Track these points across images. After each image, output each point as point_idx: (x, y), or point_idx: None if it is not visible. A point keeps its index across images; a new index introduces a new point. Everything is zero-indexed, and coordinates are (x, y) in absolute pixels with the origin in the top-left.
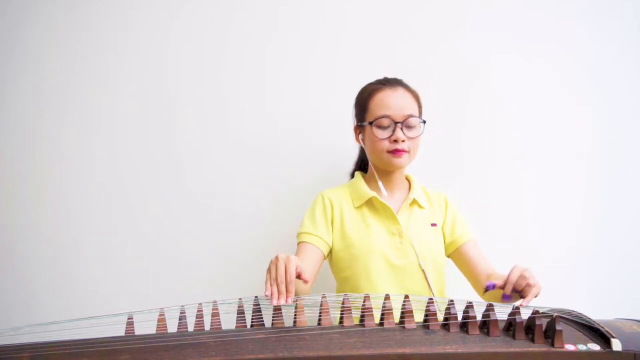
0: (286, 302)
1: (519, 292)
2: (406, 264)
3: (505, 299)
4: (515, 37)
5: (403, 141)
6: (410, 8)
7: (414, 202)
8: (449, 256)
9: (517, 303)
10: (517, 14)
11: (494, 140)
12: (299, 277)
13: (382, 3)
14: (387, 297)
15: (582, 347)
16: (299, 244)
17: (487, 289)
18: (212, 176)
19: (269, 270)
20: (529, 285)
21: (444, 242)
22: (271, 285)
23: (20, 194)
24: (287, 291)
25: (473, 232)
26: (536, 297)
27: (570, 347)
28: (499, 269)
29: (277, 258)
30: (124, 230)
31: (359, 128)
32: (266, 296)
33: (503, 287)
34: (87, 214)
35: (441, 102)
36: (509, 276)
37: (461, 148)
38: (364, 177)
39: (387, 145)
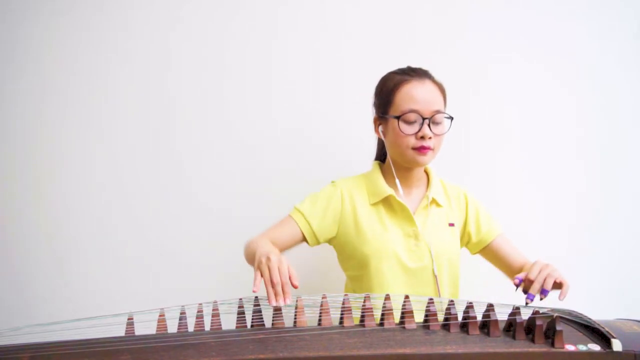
0: (284, 302)
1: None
2: (419, 267)
3: (530, 298)
4: (517, 37)
5: (430, 138)
6: (412, 9)
7: (432, 201)
8: (478, 253)
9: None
10: (518, 16)
11: (493, 140)
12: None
13: (385, 4)
14: (387, 297)
15: (582, 347)
16: (289, 215)
17: (517, 286)
18: (212, 176)
19: (261, 271)
20: (555, 283)
21: (470, 241)
22: (266, 286)
23: (20, 194)
24: (284, 292)
25: (499, 225)
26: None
27: (570, 347)
28: None
29: (268, 258)
30: (124, 230)
31: (380, 119)
32: (254, 292)
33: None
34: (87, 214)
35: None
36: (529, 273)
37: (460, 149)
38: (381, 168)
39: (412, 141)
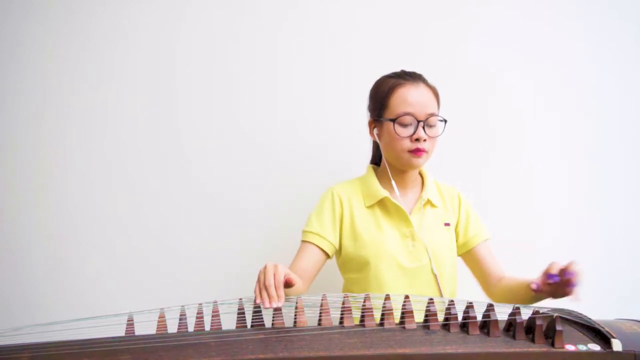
0: (270, 305)
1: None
2: (417, 267)
3: (551, 278)
4: (517, 36)
5: (424, 140)
6: (414, 14)
7: (427, 201)
8: (459, 255)
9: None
10: (517, 18)
11: (495, 142)
12: (287, 284)
13: (386, 10)
14: (387, 297)
15: (582, 347)
16: (302, 241)
17: (535, 291)
18: (213, 177)
19: (258, 278)
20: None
21: (457, 242)
22: (260, 290)
23: (20, 194)
24: (277, 295)
25: (486, 231)
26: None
27: (570, 347)
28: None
29: (265, 267)
30: (124, 231)
31: (375, 122)
32: (256, 303)
33: (541, 289)
34: (88, 214)
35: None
36: (556, 267)
37: (461, 150)
38: (376, 171)
39: (407, 144)
